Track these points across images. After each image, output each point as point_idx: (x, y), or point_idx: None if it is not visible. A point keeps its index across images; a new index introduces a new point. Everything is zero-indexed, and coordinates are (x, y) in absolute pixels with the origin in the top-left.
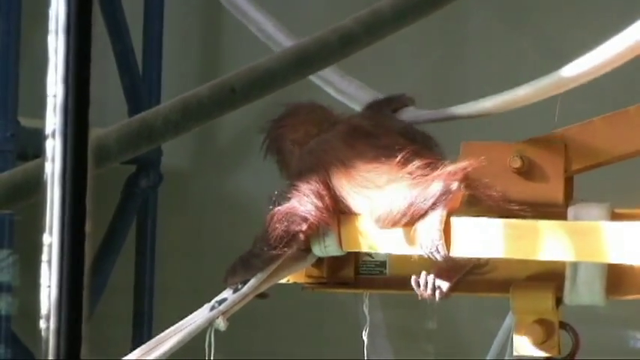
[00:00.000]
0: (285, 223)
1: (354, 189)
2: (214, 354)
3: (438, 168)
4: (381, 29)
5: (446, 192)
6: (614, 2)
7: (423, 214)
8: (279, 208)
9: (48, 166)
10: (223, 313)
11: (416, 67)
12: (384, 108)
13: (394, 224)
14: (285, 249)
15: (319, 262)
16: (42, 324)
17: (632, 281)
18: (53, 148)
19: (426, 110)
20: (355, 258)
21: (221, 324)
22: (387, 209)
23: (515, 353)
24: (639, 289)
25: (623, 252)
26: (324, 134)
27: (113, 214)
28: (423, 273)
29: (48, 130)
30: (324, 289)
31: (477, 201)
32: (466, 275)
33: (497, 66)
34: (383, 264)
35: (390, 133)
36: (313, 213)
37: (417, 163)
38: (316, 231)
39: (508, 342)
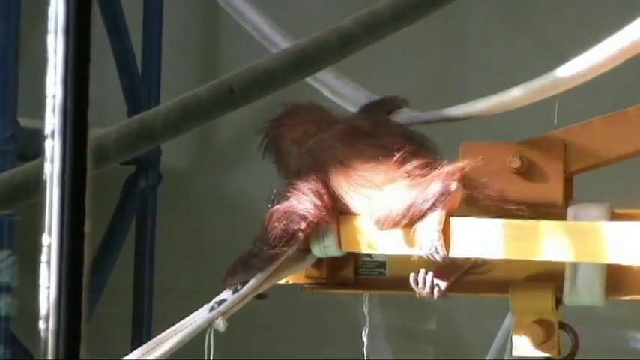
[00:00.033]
0: (284, 222)
1: (353, 188)
2: (214, 354)
3: (436, 168)
4: (381, 29)
5: (445, 192)
6: (614, 2)
7: (423, 215)
8: (278, 206)
9: (47, 167)
10: (223, 313)
11: (415, 68)
12: (378, 110)
13: (394, 226)
14: (285, 248)
15: (319, 262)
16: (41, 324)
17: (632, 281)
18: (52, 148)
19: (419, 112)
20: (355, 258)
21: (220, 324)
22: (386, 211)
23: (514, 353)
24: (639, 290)
25: (623, 252)
26: (323, 134)
27: (112, 215)
28: (422, 271)
29: (47, 131)
30: (324, 289)
31: (474, 201)
32: (464, 274)
33: (497, 66)
34: (382, 264)
35: (389, 134)
36: (312, 211)
37: (414, 162)
38: (315, 230)
39: (507, 342)
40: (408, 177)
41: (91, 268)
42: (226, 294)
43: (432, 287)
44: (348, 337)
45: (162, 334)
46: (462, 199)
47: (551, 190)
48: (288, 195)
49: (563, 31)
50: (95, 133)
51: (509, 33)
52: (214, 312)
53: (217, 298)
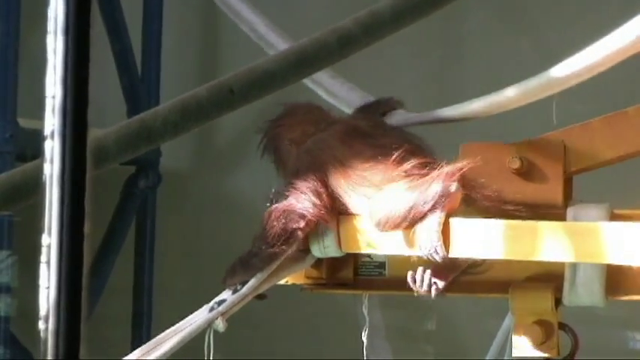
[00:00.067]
0: (283, 221)
1: (351, 187)
2: (213, 354)
3: (435, 167)
4: (380, 30)
5: (445, 193)
6: (613, 2)
7: (423, 216)
8: (277, 205)
9: (47, 167)
10: (222, 314)
11: (415, 68)
12: (373, 111)
13: (395, 227)
14: (284, 247)
15: (318, 263)
16: (41, 325)
17: (632, 282)
18: (52, 149)
19: (414, 113)
20: (354, 259)
21: (220, 325)
22: (387, 212)
23: (514, 354)
24: (638, 290)
25: (622, 253)
26: (322, 134)
27: (112, 215)
28: (420, 269)
29: (47, 131)
30: (323, 290)
31: (472, 201)
32: (462, 274)
33: (496, 66)
34: (382, 265)
35: (387, 133)
36: (311, 210)
37: (413, 162)
38: (314, 229)
39: (507, 343)
40: (407, 176)
41: (90, 268)
42: (226, 294)
43: (430, 286)
44: (348, 338)
45: (162, 335)
46: (461, 200)
47: (551, 190)
48: (287, 194)
49: (563, 31)
50: (95, 134)
51: (509, 33)
52: (214, 312)
53: (217, 299)
